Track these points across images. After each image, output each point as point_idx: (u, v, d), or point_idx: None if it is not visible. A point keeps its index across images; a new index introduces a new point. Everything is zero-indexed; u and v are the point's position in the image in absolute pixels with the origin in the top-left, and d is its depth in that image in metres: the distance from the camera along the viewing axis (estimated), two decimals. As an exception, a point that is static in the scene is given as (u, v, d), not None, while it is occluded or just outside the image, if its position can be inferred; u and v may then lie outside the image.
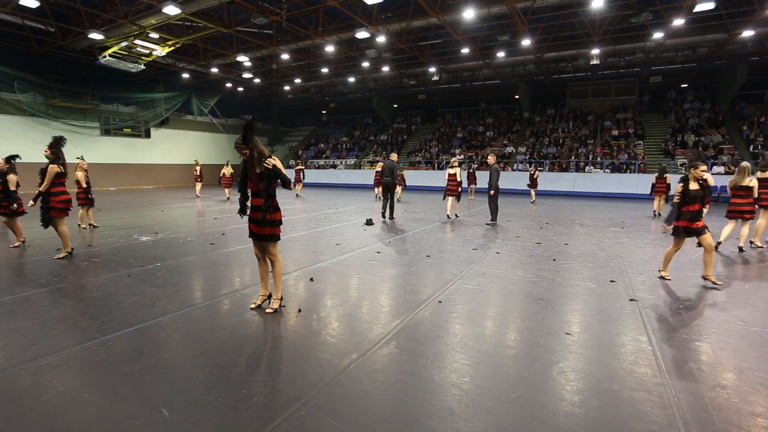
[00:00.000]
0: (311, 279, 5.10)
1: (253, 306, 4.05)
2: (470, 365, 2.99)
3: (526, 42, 17.94)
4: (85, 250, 6.72)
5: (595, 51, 19.13)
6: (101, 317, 3.80)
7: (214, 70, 23.49)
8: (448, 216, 11.01)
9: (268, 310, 3.95)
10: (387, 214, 10.87)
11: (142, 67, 20.45)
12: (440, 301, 4.32)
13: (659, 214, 12.10)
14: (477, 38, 19.15)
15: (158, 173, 26.53)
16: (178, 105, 26.52)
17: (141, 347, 3.20)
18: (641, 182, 19.38)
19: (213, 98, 28.26)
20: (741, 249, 6.96)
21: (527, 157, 23.75)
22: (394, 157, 10.91)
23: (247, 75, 24.95)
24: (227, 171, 17.07)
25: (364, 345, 3.28)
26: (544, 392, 2.65)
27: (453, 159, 11.38)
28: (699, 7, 13.74)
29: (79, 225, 8.87)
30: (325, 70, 23.77)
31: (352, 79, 26.05)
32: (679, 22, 15.46)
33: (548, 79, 25.37)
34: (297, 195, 18.65)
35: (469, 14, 14.89)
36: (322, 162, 30.19)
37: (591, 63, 20.43)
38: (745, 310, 4.21)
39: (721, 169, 18.64)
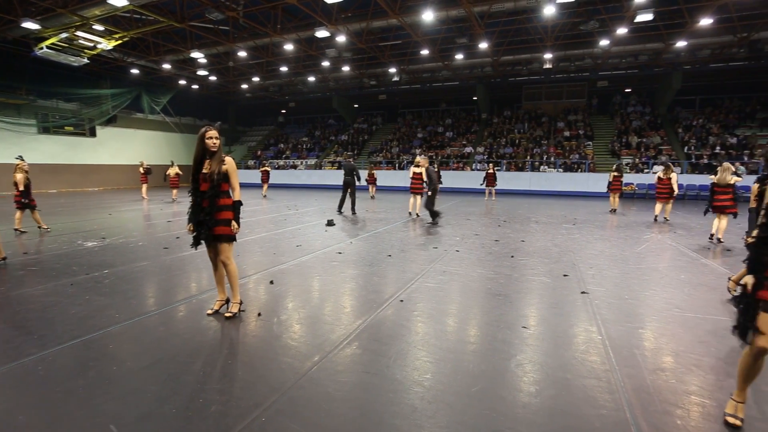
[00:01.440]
0: (271, 282, 4.99)
1: (210, 312, 3.91)
2: (432, 362, 3.03)
3: (483, 45, 18.46)
4: (21, 258, 6.23)
5: (548, 55, 19.98)
6: (39, 331, 3.53)
7: (167, 66, 22.46)
8: (409, 213, 11.28)
9: (227, 315, 3.82)
10: (347, 209, 11.35)
11: (86, 60, 19.18)
12: (402, 300, 4.36)
13: (615, 211, 13.13)
14: (436, 40, 19.48)
15: (106, 174, 25.03)
16: (126, 102, 25.09)
17: (86, 361, 3.00)
18: (591, 181, 20.46)
19: (165, 96, 26.97)
20: (720, 240, 7.66)
21: (485, 157, 24.44)
22: (350, 159, 11.79)
23: (202, 72, 24.06)
24: (172, 171, 16.28)
25: (327, 347, 3.25)
26: (503, 385, 2.73)
27: (417, 158, 11.41)
28: (639, 18, 14.70)
29: (16, 229, 8.21)
30: (284, 68, 23.34)
31: (312, 79, 25.75)
32: (622, 31, 16.46)
33: (505, 82, 26.24)
34: (264, 196, 18.26)
35: (428, 16, 15.11)
36: (282, 162, 29.63)
37: (544, 67, 21.32)
38: (680, 298, 4.54)
39: (660, 168, 20.00)
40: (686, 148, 21.45)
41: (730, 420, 2.32)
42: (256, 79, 25.90)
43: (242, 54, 20.60)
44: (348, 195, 11.65)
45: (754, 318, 2.20)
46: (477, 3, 15.06)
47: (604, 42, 18.22)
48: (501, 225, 9.99)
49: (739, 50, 18.96)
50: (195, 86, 27.93)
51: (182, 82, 26.47)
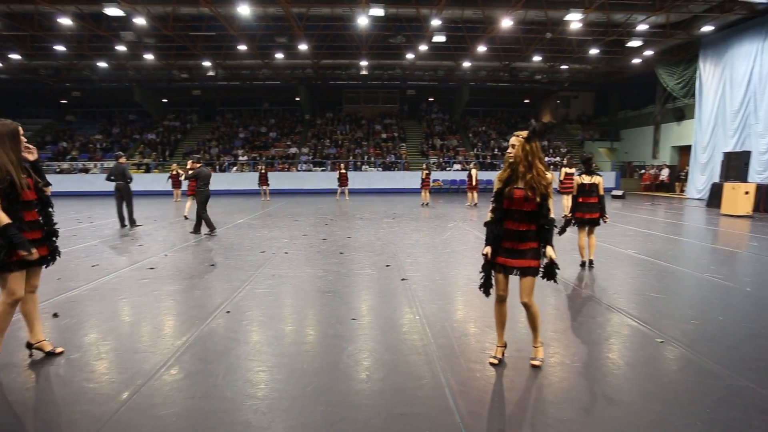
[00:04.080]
0: (55, 314, 3.98)
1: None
2: (265, 371, 2.92)
3: (303, 47, 18.62)
4: None
5: (364, 63, 21.51)
6: None
7: None
8: (185, 217, 10.99)
9: (57, 350, 3.09)
10: (124, 220, 9.57)
11: None
12: (229, 311, 4.07)
13: (428, 204, 14.80)
14: (255, 36, 18.73)
15: None
16: None
17: None
18: (406, 178, 22.93)
19: None
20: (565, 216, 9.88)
21: (311, 158, 24.84)
22: (123, 160, 9.79)
23: None
24: None
25: (138, 379, 2.79)
26: (338, 378, 2.83)
27: (190, 162, 11.03)
28: (436, 38, 17.19)
29: None
30: (60, 47, 18.87)
31: (103, 65, 21.59)
32: (423, 47, 18.93)
33: (326, 84, 27.13)
34: None
35: (244, 10, 14.41)
36: (66, 165, 23.97)
37: (361, 73, 22.90)
38: (476, 273, 5.50)
39: (458, 166, 23.95)
40: (475, 149, 26.19)
41: (491, 360, 3.01)
42: (15, 56, 20.21)
43: (-10, 22, 15.78)
44: (124, 204, 9.59)
45: (490, 276, 2.96)
46: (295, 4, 15.10)
47: (410, 55, 20.64)
48: (328, 223, 10.32)
49: (504, 74, 24.06)
50: None
51: None
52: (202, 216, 8.47)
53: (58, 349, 3.15)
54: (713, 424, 2.29)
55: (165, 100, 29.73)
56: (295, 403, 2.52)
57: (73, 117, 29.83)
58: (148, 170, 23.67)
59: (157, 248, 7.25)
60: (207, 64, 21.38)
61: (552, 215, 2.84)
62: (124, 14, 14.82)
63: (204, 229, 8.67)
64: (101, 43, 19.01)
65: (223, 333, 3.56)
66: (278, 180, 22.12)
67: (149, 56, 20.03)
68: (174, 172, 16.71)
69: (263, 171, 17.90)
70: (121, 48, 18.76)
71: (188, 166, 9.69)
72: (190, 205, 11.15)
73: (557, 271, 2.90)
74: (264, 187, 17.91)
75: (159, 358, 3.10)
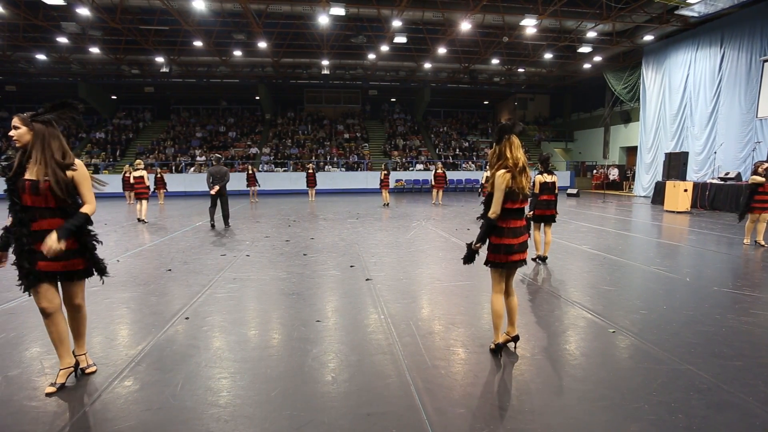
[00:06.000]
0: (-9, 327, 3.68)
1: (53, 389, 2.63)
2: (227, 377, 2.83)
3: (262, 44, 18.19)
4: None
5: (325, 62, 21.30)
6: None
7: None
8: (138, 219, 10.64)
9: (90, 370, 2.86)
10: None
11: None
12: (188, 318, 3.91)
13: (387, 204, 14.75)
14: (211, 32, 18.10)
15: None
16: None
17: None
18: (369, 178, 22.94)
19: None
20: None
21: (272, 158, 24.32)
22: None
23: None
24: None
25: (89, 394, 2.62)
26: (303, 381, 2.78)
27: (137, 161, 11.36)
28: (397, 39, 17.30)
29: None
30: (-9, 38, 17.39)
31: (43, 57, 20.11)
32: (385, 48, 19.00)
33: (286, 83, 26.62)
34: None
35: (199, 5, 13.89)
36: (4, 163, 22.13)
37: (322, 72, 22.65)
38: (440, 271, 5.61)
39: (421, 166, 24.23)
40: (437, 149, 26.60)
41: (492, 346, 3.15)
42: (-59, 47, 18.46)
43: None
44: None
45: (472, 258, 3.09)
46: (253, 0, 14.73)
47: (371, 56, 20.65)
48: (291, 225, 10.15)
49: (464, 76, 24.59)
50: None
51: None
52: (222, 212, 9.64)
53: (91, 370, 2.90)
54: (659, 406, 2.45)
55: (114, 97, 28.12)
56: (259, 409, 2.46)
57: (8, 113, 27.55)
58: (96, 171, 22.34)
59: (109, 253, 6.84)
60: (160, 59, 20.42)
61: (490, 213, 2.93)
62: (64, 3, 13.87)
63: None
64: (39, 33, 17.72)
65: (181, 340, 3.42)
66: (239, 181, 21.53)
67: (95, 50, 18.86)
68: (126, 174, 15.89)
69: (251, 172, 17.38)
70: (62, 40, 17.56)
71: None
72: (139, 207, 10.67)
73: (471, 256, 3.07)
74: (252, 188, 17.41)
75: (111, 369, 2.93)
